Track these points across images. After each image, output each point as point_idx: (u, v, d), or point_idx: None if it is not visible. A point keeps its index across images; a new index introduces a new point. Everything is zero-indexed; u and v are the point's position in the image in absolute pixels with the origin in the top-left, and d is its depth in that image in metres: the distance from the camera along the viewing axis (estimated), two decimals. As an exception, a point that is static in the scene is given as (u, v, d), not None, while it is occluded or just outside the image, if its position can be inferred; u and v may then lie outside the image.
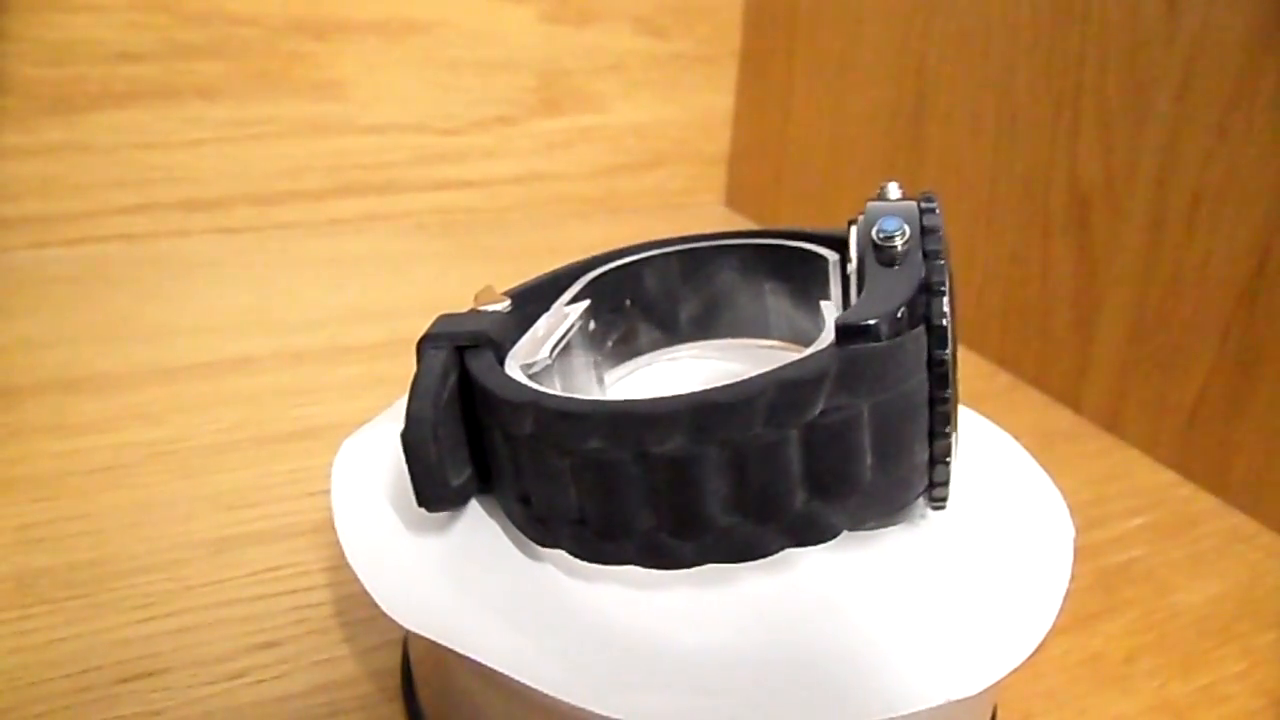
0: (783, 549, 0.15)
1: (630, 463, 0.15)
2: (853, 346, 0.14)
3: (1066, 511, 0.19)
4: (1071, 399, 0.34)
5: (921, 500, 0.17)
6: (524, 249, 0.46)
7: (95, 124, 0.41)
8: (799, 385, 0.14)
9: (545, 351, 0.18)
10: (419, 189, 0.48)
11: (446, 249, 0.45)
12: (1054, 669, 0.22)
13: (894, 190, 0.17)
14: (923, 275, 0.15)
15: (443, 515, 0.17)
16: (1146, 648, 0.23)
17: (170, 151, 0.42)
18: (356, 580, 0.23)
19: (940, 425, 0.15)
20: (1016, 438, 0.21)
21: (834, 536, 0.15)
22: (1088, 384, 0.33)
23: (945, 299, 0.15)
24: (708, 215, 0.53)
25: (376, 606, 0.22)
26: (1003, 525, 0.18)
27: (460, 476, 0.17)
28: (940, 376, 0.15)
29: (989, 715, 0.19)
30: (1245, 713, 0.21)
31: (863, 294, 0.15)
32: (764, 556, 0.15)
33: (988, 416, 0.22)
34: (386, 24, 0.44)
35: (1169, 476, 0.30)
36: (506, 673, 0.14)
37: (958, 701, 0.14)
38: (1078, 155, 0.33)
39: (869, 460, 0.15)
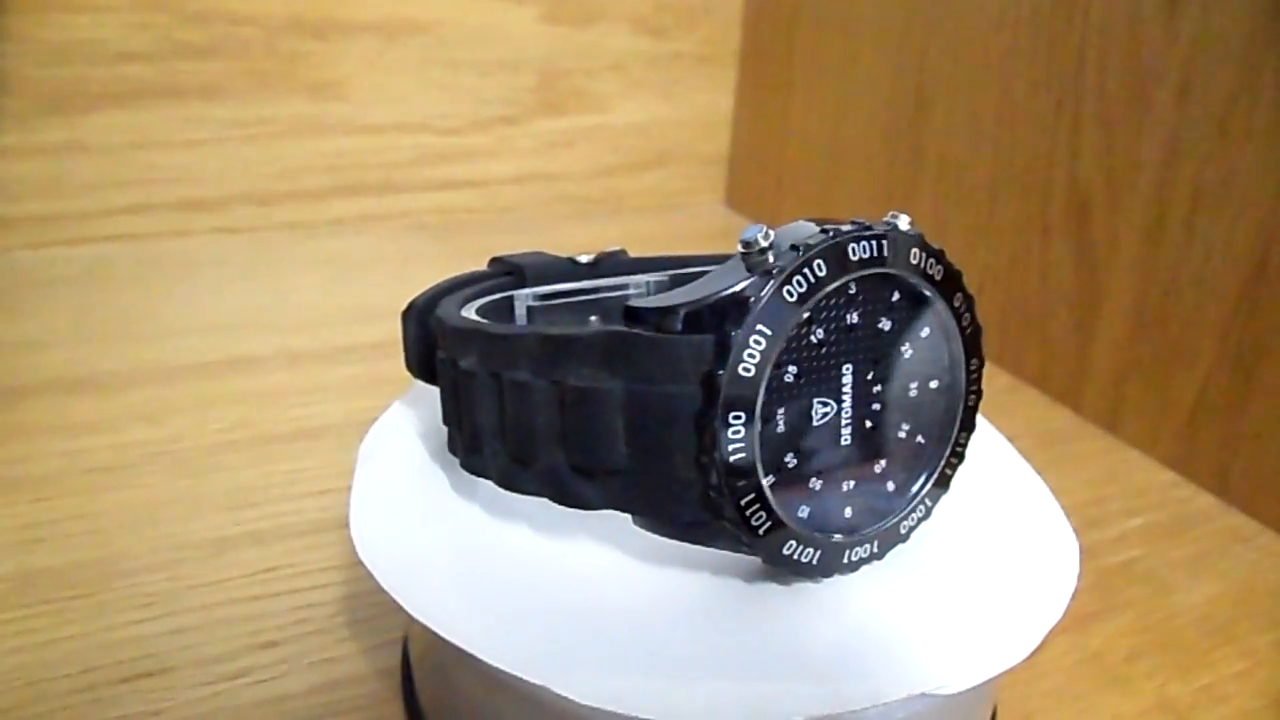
0: (537, 496, 0.16)
1: (450, 367, 0.17)
2: (620, 326, 0.15)
3: (1067, 523, 0.19)
4: (1071, 399, 0.34)
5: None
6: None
7: (95, 124, 0.41)
8: (553, 341, 0.15)
9: (533, 297, 0.21)
10: (419, 189, 0.47)
11: (446, 249, 0.45)
12: (1054, 669, 0.22)
13: (903, 222, 0.15)
14: (735, 286, 0.14)
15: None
16: (1146, 648, 0.23)
17: (170, 151, 0.42)
18: (356, 581, 0.23)
19: (709, 448, 0.14)
20: (1017, 438, 0.21)
21: (586, 508, 0.16)
22: (1087, 384, 0.33)
23: (749, 318, 0.14)
24: (708, 215, 0.53)
25: (376, 607, 0.22)
26: (1000, 534, 0.18)
27: None
28: (710, 394, 0.14)
29: (989, 715, 0.19)
30: (1245, 713, 0.21)
31: (678, 287, 0.15)
32: (522, 494, 0.16)
33: (987, 417, 0.22)
34: (386, 24, 0.44)
35: (1169, 476, 0.30)
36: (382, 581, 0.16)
37: (955, 700, 0.14)
38: (1078, 155, 0.33)
39: (622, 446, 0.15)
